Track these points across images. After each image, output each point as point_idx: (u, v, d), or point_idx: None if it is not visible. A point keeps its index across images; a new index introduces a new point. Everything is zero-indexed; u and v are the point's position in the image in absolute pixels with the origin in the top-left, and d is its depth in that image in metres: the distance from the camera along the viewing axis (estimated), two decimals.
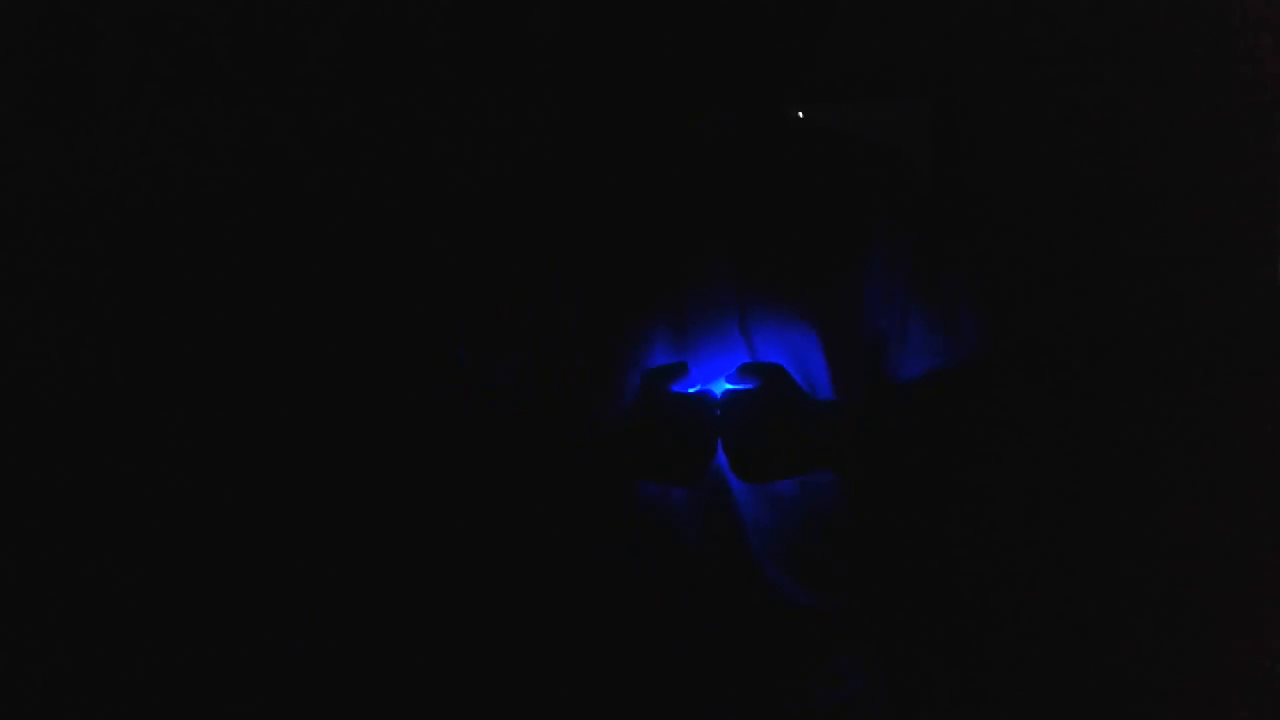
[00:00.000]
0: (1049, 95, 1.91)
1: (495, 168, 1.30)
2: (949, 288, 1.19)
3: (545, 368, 1.15)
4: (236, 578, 1.81)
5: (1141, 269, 1.90)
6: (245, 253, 1.83)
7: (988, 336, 1.21)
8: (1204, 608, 1.88)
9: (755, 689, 1.14)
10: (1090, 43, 1.89)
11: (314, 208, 1.86)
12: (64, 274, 1.76)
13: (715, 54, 1.09)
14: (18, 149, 1.73)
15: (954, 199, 1.91)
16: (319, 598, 1.83)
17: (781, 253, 1.13)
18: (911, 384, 1.20)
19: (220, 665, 1.78)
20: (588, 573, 1.18)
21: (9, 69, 1.73)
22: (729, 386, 1.06)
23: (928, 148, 1.89)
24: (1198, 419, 1.88)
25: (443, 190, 1.85)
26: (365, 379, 1.83)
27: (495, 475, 1.27)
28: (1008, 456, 1.95)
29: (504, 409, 1.17)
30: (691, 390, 1.05)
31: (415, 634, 1.84)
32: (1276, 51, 1.83)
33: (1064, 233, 1.92)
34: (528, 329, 1.14)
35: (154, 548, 1.78)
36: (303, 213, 1.86)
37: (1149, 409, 1.90)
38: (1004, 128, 1.92)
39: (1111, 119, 1.89)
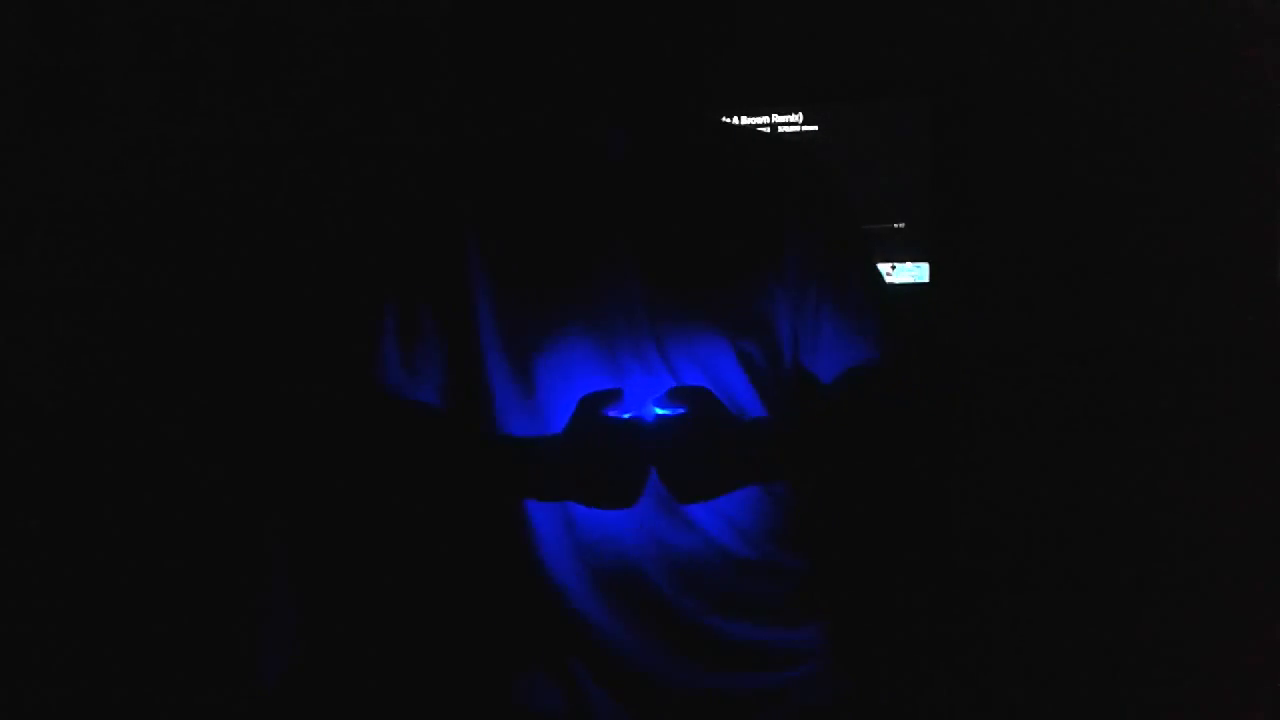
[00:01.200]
0: (1049, 95, 1.91)
1: (408, 167, 1.30)
2: (858, 285, 1.18)
3: (467, 381, 1.15)
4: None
5: (1141, 269, 1.90)
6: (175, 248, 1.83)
7: (897, 333, 1.20)
8: (1203, 607, 1.88)
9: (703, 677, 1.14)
10: (1090, 43, 1.89)
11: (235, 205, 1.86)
12: (48, 274, 1.76)
13: (609, 70, 1.10)
14: (17, 149, 1.74)
15: (954, 197, 1.91)
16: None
17: (690, 261, 1.12)
18: (830, 387, 1.19)
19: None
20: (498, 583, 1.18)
21: (9, 69, 1.73)
22: (660, 412, 1.09)
23: (928, 148, 1.90)
24: (1198, 419, 1.88)
25: (359, 191, 1.85)
26: (283, 382, 1.83)
27: (412, 485, 1.27)
28: (1001, 455, 1.96)
29: (428, 419, 1.17)
30: (625, 416, 1.08)
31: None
32: (1276, 51, 1.83)
33: (1063, 232, 1.93)
34: (449, 331, 1.15)
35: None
36: (222, 208, 1.85)
37: (1149, 408, 1.90)
38: (1004, 128, 1.92)
39: (1111, 119, 1.89)
